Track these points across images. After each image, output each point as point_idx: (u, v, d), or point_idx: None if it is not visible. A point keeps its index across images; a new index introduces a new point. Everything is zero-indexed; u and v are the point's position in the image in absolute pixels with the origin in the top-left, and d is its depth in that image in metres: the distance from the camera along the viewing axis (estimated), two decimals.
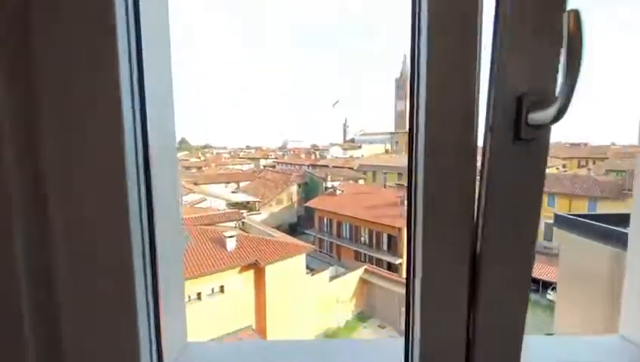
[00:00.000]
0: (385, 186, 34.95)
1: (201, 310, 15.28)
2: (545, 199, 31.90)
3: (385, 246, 26.76)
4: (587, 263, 1.80)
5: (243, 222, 22.30)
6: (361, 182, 46.29)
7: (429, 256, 0.77)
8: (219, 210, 23.32)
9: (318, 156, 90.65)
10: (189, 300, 15.23)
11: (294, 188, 41.14)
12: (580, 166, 63.80)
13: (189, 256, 15.44)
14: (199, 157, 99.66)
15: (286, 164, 78.13)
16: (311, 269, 20.60)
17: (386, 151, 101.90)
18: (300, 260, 18.33)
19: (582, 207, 29.31)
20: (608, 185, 29.23)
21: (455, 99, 0.69)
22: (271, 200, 38.22)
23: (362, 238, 28.69)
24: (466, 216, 0.74)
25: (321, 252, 31.36)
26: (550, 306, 23.55)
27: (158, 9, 0.76)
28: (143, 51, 0.67)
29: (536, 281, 25.05)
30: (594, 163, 60.03)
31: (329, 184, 39.66)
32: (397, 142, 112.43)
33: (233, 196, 38.90)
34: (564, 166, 61.80)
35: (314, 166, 62.78)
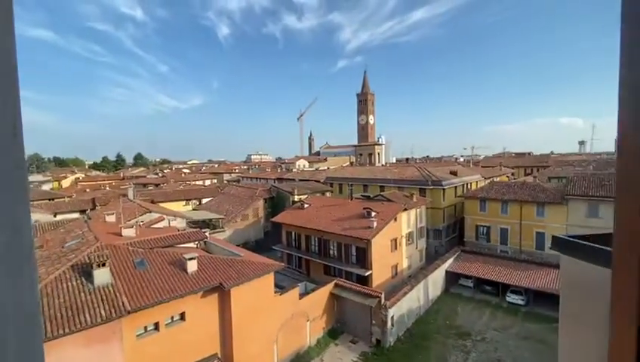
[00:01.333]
0: (351, 198, 35.20)
1: (160, 341, 13.91)
2: (499, 207, 34.07)
3: (354, 259, 26.66)
4: (582, 281, 1.72)
5: (205, 242, 21.00)
6: (328, 194, 46.40)
7: None
8: (178, 230, 21.79)
9: (284, 169, 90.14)
10: (145, 331, 13.82)
11: (260, 203, 40.07)
12: (526, 174, 69.97)
13: (145, 283, 14.08)
14: (157, 174, 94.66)
15: (251, 178, 76.63)
16: (280, 287, 19.79)
17: (351, 164, 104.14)
18: (269, 279, 17.52)
19: (532, 212, 31.70)
20: (552, 191, 31.98)
21: None
22: (235, 216, 36.79)
23: (331, 251, 28.40)
24: None
25: (289, 268, 30.52)
26: (510, 308, 24.79)
27: None
28: None
29: (495, 284, 26.36)
30: (538, 170, 66.17)
31: (296, 198, 39.23)
32: (360, 155, 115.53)
33: (194, 214, 36.92)
34: (512, 174, 67.37)
35: (280, 180, 62.17)
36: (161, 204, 39.47)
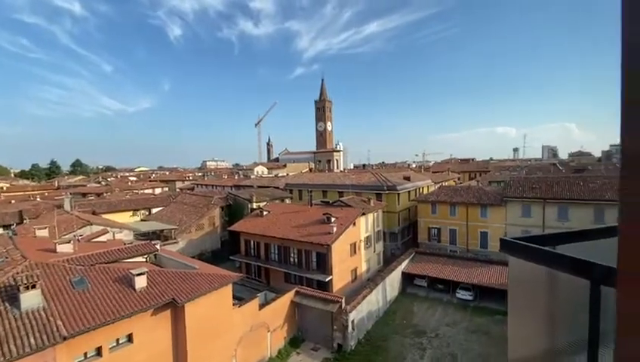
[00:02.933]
0: (311, 204, 35.31)
1: None
2: (448, 209, 36.41)
3: (314, 265, 26.67)
4: (526, 279, 1.94)
5: (156, 255, 19.58)
6: (287, 201, 46.04)
7: None
8: (125, 243, 20.06)
9: (241, 176, 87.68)
10: (85, 358, 12.42)
11: (217, 212, 38.46)
12: (470, 178, 76.07)
13: (85, 303, 12.69)
14: (99, 182, 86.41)
15: (206, 185, 73.36)
16: (239, 299, 19.07)
17: (310, 170, 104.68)
18: (226, 291, 16.79)
19: (476, 214, 34.43)
20: (493, 194, 35.10)
21: None
22: (190, 226, 34.88)
23: (292, 258, 28.12)
24: None
25: (248, 278, 29.60)
26: (460, 304, 26.52)
27: None
28: None
29: (446, 282, 28.07)
30: (480, 175, 72.32)
31: (254, 205, 38.34)
32: (319, 161, 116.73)
33: (143, 225, 34.28)
34: (459, 178, 72.80)
35: (238, 187, 60.34)
36: (105, 216, 36.11)
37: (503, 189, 35.47)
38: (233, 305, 17.68)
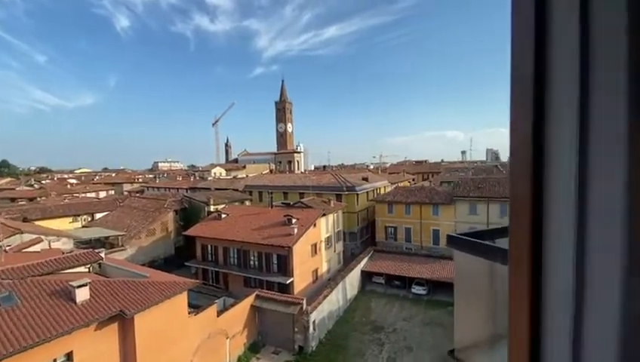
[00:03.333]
0: (272, 206, 34.87)
1: None
2: (403, 209, 38.10)
3: (275, 268, 26.35)
4: (469, 270, 2.15)
5: (100, 264, 17.97)
6: (247, 203, 44.96)
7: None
8: (63, 252, 18.15)
9: (197, 178, 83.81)
10: None
11: (170, 216, 36.31)
12: (423, 179, 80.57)
13: (13, 322, 11.25)
14: (32, 185, 77.08)
15: (158, 188, 68.93)
16: (195, 307, 18.18)
17: (271, 171, 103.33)
18: (181, 299, 15.93)
19: (429, 212, 36.52)
20: (444, 194, 37.53)
21: None
22: (139, 232, 32.51)
23: (252, 262, 27.51)
24: None
25: (205, 284, 28.33)
26: (415, 299, 27.91)
27: None
28: None
29: (402, 279, 29.39)
30: (432, 176, 76.90)
31: (212, 208, 36.88)
32: (280, 162, 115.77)
33: (85, 232, 31.28)
34: (413, 180, 76.74)
35: (193, 189, 57.59)
36: (38, 223, 32.34)
37: (452, 189, 38.04)
38: (189, 313, 16.84)
